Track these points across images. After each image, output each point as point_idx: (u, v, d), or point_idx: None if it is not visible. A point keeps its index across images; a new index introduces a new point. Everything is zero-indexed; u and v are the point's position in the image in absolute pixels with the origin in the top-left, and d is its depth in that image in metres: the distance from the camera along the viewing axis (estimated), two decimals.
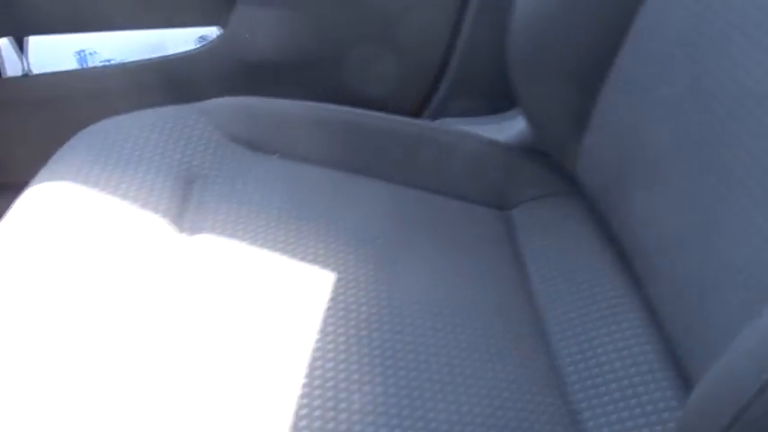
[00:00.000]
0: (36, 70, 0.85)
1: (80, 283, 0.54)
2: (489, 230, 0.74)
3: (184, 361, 0.50)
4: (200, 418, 0.47)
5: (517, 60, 0.73)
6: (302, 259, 0.60)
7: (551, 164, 0.79)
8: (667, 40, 0.59)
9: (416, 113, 0.94)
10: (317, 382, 0.51)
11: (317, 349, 0.53)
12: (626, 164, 0.64)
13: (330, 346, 0.54)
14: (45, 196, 0.61)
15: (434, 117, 0.92)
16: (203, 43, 0.88)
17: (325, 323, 0.55)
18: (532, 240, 0.72)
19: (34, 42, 0.85)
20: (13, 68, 0.85)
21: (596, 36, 0.66)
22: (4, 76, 0.84)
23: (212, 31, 0.89)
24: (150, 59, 0.86)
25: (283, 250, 0.61)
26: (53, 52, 0.86)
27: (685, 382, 0.57)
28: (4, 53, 0.84)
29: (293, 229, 0.63)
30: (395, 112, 0.79)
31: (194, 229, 0.62)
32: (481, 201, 0.76)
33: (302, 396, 0.50)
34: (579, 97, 0.69)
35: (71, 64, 0.87)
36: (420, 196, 0.74)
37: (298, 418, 0.48)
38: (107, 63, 0.87)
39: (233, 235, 0.61)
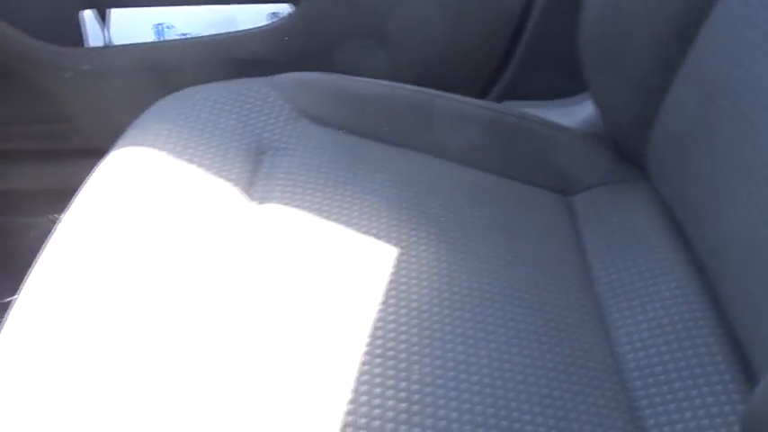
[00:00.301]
0: (116, 41, 0.89)
1: (153, 247, 0.56)
2: (551, 215, 0.73)
3: (248, 325, 0.53)
4: (263, 381, 0.49)
5: (588, 45, 0.72)
6: (366, 233, 0.62)
7: (617, 150, 0.78)
8: (746, 30, 0.57)
9: (481, 94, 0.93)
10: (377, 351, 0.52)
11: (378, 320, 0.55)
12: (698, 154, 0.63)
13: (391, 317, 0.55)
14: (124, 163, 0.64)
15: (500, 99, 0.92)
16: (274, 20, 0.90)
17: (387, 295, 0.57)
18: (595, 227, 0.72)
19: (116, 14, 0.89)
20: (96, 39, 0.88)
21: (672, 25, 0.65)
22: (86, 45, 0.88)
23: (284, 8, 0.90)
24: (223, 34, 0.89)
25: (348, 223, 0.62)
26: (133, 25, 0.89)
27: (749, 375, 0.56)
28: (87, 24, 0.88)
29: (357, 203, 0.64)
30: (460, 91, 0.79)
31: (263, 199, 0.64)
32: (544, 185, 0.76)
33: (363, 363, 0.51)
34: (651, 85, 0.68)
35: (149, 37, 0.90)
36: (484, 178, 0.74)
37: (358, 383, 0.50)
38: (182, 37, 0.90)
39: (300, 206, 0.63)
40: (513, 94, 0.92)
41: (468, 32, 0.88)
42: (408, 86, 0.76)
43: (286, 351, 0.51)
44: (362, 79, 0.76)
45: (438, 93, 0.77)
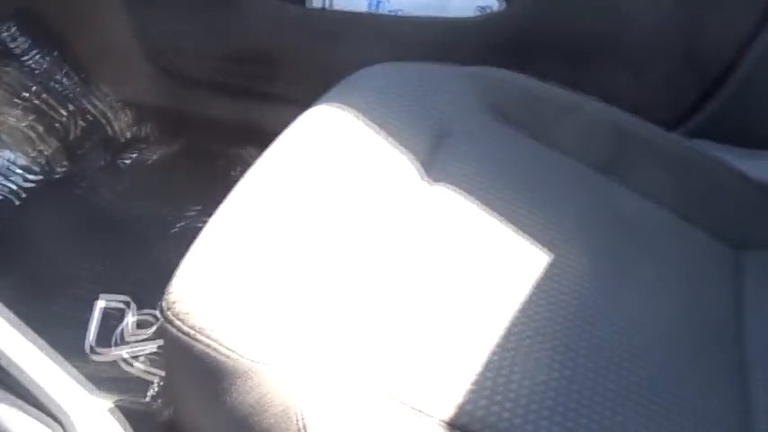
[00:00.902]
0: (335, 6, 0.96)
1: (329, 202, 0.62)
2: (715, 264, 0.71)
3: (394, 291, 0.57)
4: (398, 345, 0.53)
5: None
6: (525, 236, 0.63)
7: None
8: None
9: (672, 126, 0.91)
10: (495, 351, 0.54)
11: (511, 320, 0.56)
12: None
13: (524, 319, 0.57)
14: (321, 121, 0.70)
15: (691, 135, 0.89)
16: (481, 12, 0.92)
17: (530, 300, 0.58)
18: (762, 290, 0.68)
19: None
20: (318, 2, 0.97)
21: None
22: (307, 5, 0.97)
23: (492, 3, 0.93)
24: (430, 17, 0.93)
25: (509, 224, 0.64)
26: None
27: None
28: None
29: (523, 207, 0.66)
30: (650, 118, 0.78)
31: (437, 179, 0.68)
32: (715, 232, 0.73)
33: (492, 353, 0.54)
34: None
35: (362, 7, 0.96)
36: (652, 209, 0.73)
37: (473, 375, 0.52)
38: (393, 13, 0.95)
39: (470, 194, 0.66)
40: (705, 133, 0.88)
41: (675, 60, 0.86)
42: (597, 102, 0.76)
43: (427, 324, 0.55)
44: (557, 88, 0.77)
45: (624, 113, 0.76)
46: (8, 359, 0.42)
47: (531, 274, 0.60)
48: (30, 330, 0.47)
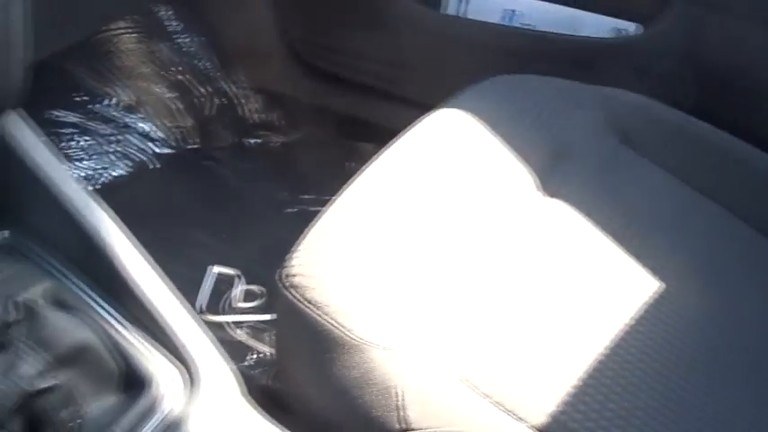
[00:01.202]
0: (469, 15, 0.98)
1: (442, 202, 0.63)
2: None
3: (501, 294, 0.58)
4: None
5: None
6: (636, 260, 0.63)
7: None
8: None
9: None
10: (596, 368, 0.54)
11: (615, 341, 0.56)
12: None
13: (629, 342, 0.56)
14: (443, 124, 0.72)
15: None
16: (617, 34, 0.91)
17: (636, 324, 0.58)
18: None
19: None
20: (453, 8, 0.99)
21: None
22: (443, 11, 0.99)
23: (629, 26, 0.92)
24: (564, 35, 0.93)
25: (621, 246, 0.63)
26: (487, 4, 0.98)
27: None
28: None
29: (638, 232, 0.65)
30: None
31: (551, 195, 0.68)
32: None
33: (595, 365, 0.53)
34: None
35: (495, 18, 0.98)
36: (764, 243, 0.70)
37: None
38: (526, 27, 0.96)
39: (582, 213, 0.65)
40: None
41: None
42: (720, 132, 0.74)
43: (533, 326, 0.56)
44: (690, 117, 0.75)
45: (748, 145, 0.73)
46: (152, 304, 0.47)
47: (639, 298, 0.59)
48: (169, 281, 0.52)
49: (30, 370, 0.42)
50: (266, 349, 0.93)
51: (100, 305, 0.49)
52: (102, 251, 0.50)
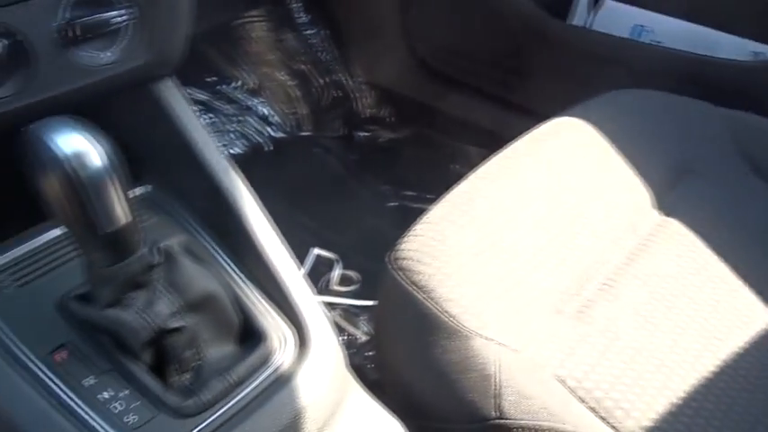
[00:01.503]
0: (595, 27, 0.98)
1: (556, 210, 0.63)
2: None
3: (608, 301, 0.58)
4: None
5: None
6: (755, 287, 0.61)
7: None
8: None
9: None
10: (699, 391, 0.53)
11: (721, 367, 0.55)
12: None
13: (736, 372, 0.54)
14: (560, 133, 0.72)
15: None
16: (754, 58, 0.88)
17: (747, 353, 0.56)
18: None
19: (607, 5, 0.97)
20: (581, 19, 0.99)
21: None
22: (569, 21, 0.99)
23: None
24: (695, 54, 0.90)
25: (740, 272, 0.61)
26: (616, 17, 0.97)
27: None
28: (580, 4, 0.99)
29: (758, 257, 0.63)
30: None
31: (668, 213, 0.67)
32: None
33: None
34: None
35: (624, 32, 0.96)
36: None
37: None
38: (655, 43, 0.94)
39: (700, 235, 0.64)
40: None
41: None
42: None
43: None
44: None
45: None
46: (274, 268, 0.51)
47: (750, 327, 0.57)
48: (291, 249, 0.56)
49: (164, 309, 0.46)
50: (357, 332, 0.96)
51: (226, 262, 0.53)
52: (233, 214, 0.54)
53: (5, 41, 0.45)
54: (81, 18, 0.48)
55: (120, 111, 0.55)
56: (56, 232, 0.51)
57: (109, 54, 0.50)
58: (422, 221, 0.60)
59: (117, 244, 0.43)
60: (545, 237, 0.60)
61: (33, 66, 0.46)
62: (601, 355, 0.52)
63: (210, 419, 0.45)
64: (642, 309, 0.57)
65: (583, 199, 0.65)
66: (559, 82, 0.99)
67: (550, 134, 0.71)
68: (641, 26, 0.94)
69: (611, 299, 0.57)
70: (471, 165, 0.72)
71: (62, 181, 0.39)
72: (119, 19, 0.50)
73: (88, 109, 0.45)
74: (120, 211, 0.42)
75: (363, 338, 0.95)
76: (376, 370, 0.68)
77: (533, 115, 0.79)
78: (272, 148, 1.26)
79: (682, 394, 0.52)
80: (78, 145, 0.40)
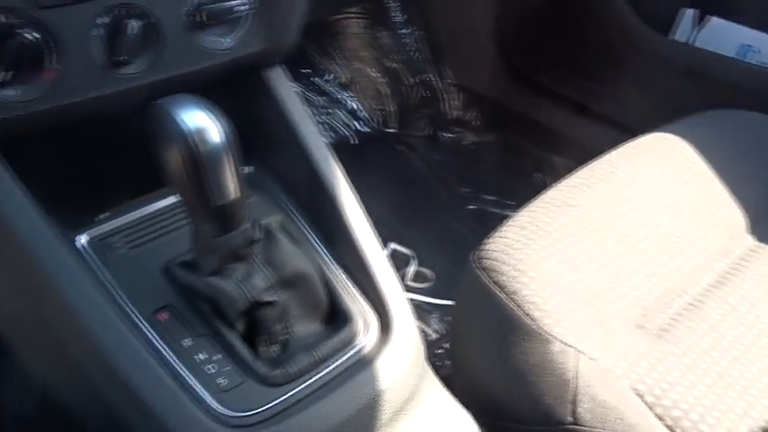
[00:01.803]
0: (697, 44, 0.95)
1: (643, 228, 0.62)
2: None
3: (689, 319, 0.57)
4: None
5: None
6: None
7: None
8: None
9: None
10: None
11: None
12: None
13: None
14: (650, 150, 0.70)
15: None
16: None
17: None
18: None
19: (712, 22, 0.94)
20: (682, 35, 0.96)
21: None
22: (671, 37, 0.97)
23: None
24: None
25: None
26: (721, 36, 0.94)
27: None
28: (683, 21, 0.96)
29: None
30: None
31: (761, 239, 0.65)
32: None
33: None
34: None
35: (729, 51, 0.93)
36: None
37: None
38: (761, 64, 0.91)
39: None
40: None
41: None
42: None
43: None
44: None
45: None
46: (365, 255, 0.53)
47: None
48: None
49: (260, 283, 0.48)
50: (428, 329, 0.98)
51: (319, 245, 0.56)
52: (329, 200, 0.56)
53: (140, 22, 0.49)
54: (208, 5, 0.52)
55: (232, 93, 0.59)
56: (166, 202, 0.55)
57: (228, 40, 0.54)
58: (509, 224, 0.61)
59: (225, 217, 0.46)
60: (633, 251, 0.59)
61: (162, 46, 0.50)
62: (682, 375, 0.52)
63: (295, 391, 0.47)
64: (729, 334, 0.56)
65: (675, 217, 0.64)
66: (654, 96, 0.97)
67: (645, 149, 0.70)
68: (748, 46, 0.91)
69: (696, 320, 0.56)
70: (555, 174, 0.72)
71: (184, 153, 0.43)
72: (241, 8, 0.53)
73: (205, 90, 0.48)
74: (232, 186, 0.45)
75: (433, 336, 0.96)
76: (445, 367, 0.69)
77: (623, 129, 0.78)
78: (357, 141, 1.29)
79: (763, 424, 0.50)
80: (201, 121, 0.43)
